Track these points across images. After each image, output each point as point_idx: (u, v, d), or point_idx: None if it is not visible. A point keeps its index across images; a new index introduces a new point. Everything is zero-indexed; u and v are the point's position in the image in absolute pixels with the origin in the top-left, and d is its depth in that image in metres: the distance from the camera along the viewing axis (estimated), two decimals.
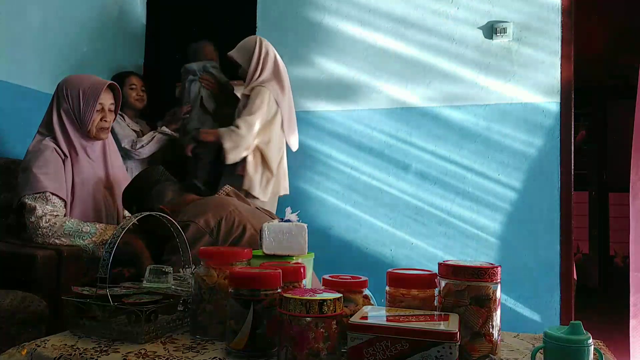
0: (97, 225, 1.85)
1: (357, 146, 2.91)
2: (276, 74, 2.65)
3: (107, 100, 1.98)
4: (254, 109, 2.49)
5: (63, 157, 1.91)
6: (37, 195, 1.81)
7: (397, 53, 2.88)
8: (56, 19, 2.78)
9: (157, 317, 1.06)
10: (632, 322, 2.39)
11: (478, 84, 2.74)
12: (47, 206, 1.81)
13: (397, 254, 2.80)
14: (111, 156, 2.08)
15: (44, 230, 1.78)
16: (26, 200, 1.82)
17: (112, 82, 2.01)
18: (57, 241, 1.78)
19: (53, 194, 1.83)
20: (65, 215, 1.87)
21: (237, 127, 2.46)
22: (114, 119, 2.05)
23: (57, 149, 1.91)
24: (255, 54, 2.63)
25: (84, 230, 1.81)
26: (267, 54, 2.65)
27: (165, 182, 1.85)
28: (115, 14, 3.27)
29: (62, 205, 1.87)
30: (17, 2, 2.53)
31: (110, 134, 2.08)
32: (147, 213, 1.25)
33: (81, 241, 1.80)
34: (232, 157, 2.47)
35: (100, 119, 1.96)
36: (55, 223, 1.79)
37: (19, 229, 1.90)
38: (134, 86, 2.97)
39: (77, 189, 1.92)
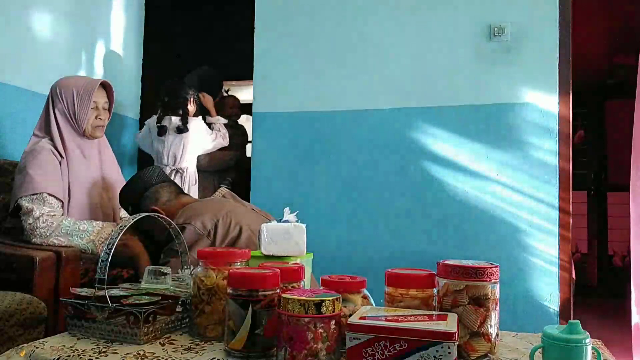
0: (94, 223, 1.85)
1: (356, 146, 2.91)
2: None
3: (101, 98, 1.99)
4: None
5: (59, 158, 1.92)
6: (34, 197, 1.81)
7: (395, 53, 2.88)
8: (55, 21, 2.78)
9: (155, 318, 1.06)
10: (635, 318, 2.39)
11: (476, 84, 2.74)
12: (44, 207, 1.81)
13: (396, 254, 2.79)
14: (106, 156, 2.09)
15: (42, 230, 1.77)
16: (23, 202, 1.81)
17: (104, 80, 2.02)
18: (55, 241, 1.78)
19: (50, 194, 1.83)
20: (62, 215, 1.86)
21: None
22: (109, 118, 2.05)
23: (53, 150, 1.91)
24: None
25: (81, 228, 1.81)
26: None
27: (161, 184, 1.85)
28: (115, 13, 3.27)
29: (59, 206, 1.87)
30: (17, 3, 2.53)
31: (104, 135, 2.08)
32: (146, 214, 1.25)
33: (79, 240, 1.80)
34: None
35: (95, 117, 1.97)
36: (52, 223, 1.79)
37: (17, 231, 1.90)
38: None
39: (73, 189, 1.92)
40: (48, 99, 1.98)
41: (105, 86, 2.01)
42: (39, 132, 1.97)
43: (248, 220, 1.68)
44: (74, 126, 1.95)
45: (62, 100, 1.94)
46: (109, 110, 2.04)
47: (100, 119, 1.98)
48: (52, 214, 1.81)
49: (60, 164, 1.91)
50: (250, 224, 1.66)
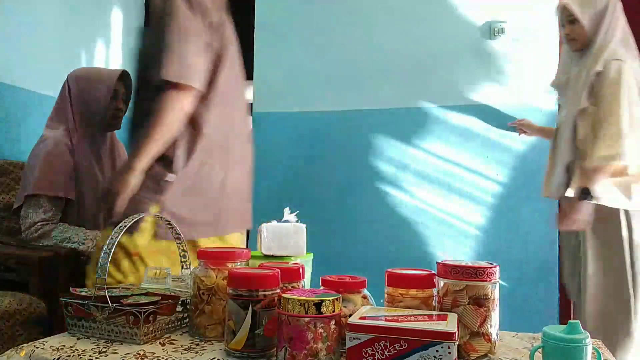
0: (90, 234, 1.82)
1: (356, 146, 2.91)
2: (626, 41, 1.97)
3: (120, 87, 1.97)
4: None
5: (70, 149, 1.89)
6: (32, 200, 1.80)
7: (395, 53, 2.88)
8: (55, 21, 2.78)
9: (155, 318, 1.06)
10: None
11: (476, 84, 2.75)
12: (40, 213, 1.80)
13: (396, 254, 2.79)
14: (118, 149, 2.09)
15: (32, 236, 1.78)
16: (23, 204, 1.81)
17: (124, 69, 1.99)
18: (47, 244, 1.78)
19: (49, 197, 1.82)
20: (63, 213, 1.86)
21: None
22: (127, 108, 2.03)
23: (68, 143, 1.89)
24: (608, 10, 1.95)
25: (72, 239, 1.79)
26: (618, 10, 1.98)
27: None
28: (115, 14, 3.27)
29: (58, 208, 1.85)
30: (18, 4, 2.53)
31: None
32: (146, 214, 1.25)
33: (71, 246, 1.79)
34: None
35: (115, 109, 1.95)
36: (43, 233, 1.77)
37: (17, 231, 1.90)
38: None
39: (83, 182, 1.91)
40: (63, 90, 1.95)
41: (124, 76, 1.99)
42: (51, 124, 1.94)
43: None
44: (90, 117, 1.92)
45: (79, 89, 1.92)
46: (126, 101, 2.01)
47: (119, 109, 1.97)
48: (46, 222, 1.80)
49: (72, 156, 1.89)
50: None
